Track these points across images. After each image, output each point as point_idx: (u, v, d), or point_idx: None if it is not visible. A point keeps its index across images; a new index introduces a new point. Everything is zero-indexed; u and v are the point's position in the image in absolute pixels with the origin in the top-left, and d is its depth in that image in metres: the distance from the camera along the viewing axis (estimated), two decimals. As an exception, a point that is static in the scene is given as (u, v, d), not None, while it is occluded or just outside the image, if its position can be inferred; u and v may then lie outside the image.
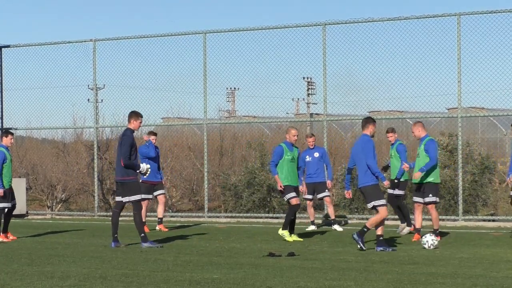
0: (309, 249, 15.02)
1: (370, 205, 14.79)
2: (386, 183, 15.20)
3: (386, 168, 18.57)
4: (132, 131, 15.62)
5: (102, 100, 27.64)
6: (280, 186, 16.61)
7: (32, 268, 12.19)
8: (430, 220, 16.99)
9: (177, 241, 16.81)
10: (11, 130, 18.41)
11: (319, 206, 24.24)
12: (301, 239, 16.69)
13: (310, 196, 19.69)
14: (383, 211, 14.65)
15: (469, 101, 22.18)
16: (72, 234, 19.09)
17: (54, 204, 29.41)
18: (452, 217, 21.99)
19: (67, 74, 27.74)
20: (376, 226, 14.66)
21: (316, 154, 19.60)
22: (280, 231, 16.67)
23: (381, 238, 14.60)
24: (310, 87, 56.75)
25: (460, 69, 21.39)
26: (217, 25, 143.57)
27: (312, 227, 19.93)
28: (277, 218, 24.04)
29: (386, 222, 21.54)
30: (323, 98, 23.09)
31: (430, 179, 16.36)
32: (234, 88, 53.41)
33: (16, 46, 27.28)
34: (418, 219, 16.60)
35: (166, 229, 19.66)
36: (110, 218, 16.23)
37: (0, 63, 27.10)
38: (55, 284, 10.43)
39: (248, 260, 13.11)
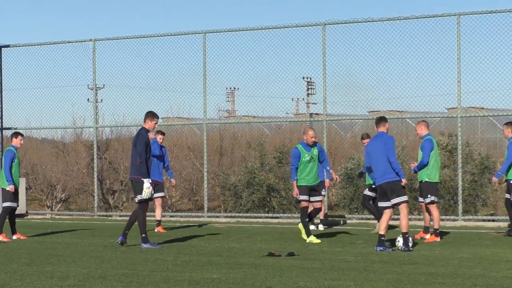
0: (308, 249, 15.02)
1: (394, 201, 14.60)
2: (404, 181, 15.16)
3: (360, 174, 18.92)
4: (147, 130, 15.70)
5: (101, 100, 27.66)
6: (296, 194, 16.48)
7: (32, 268, 12.19)
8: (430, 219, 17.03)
9: (177, 241, 16.81)
10: (20, 131, 18.52)
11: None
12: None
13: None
14: (404, 208, 14.65)
15: (469, 101, 22.21)
16: (72, 234, 19.09)
17: (53, 204, 29.42)
18: (452, 217, 21.99)
19: (67, 74, 27.75)
20: (381, 226, 14.65)
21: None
22: (308, 239, 16.43)
23: (383, 238, 14.57)
24: (309, 87, 56.76)
25: (459, 69, 21.39)
26: (216, 25, 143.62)
27: (321, 227, 19.90)
28: (276, 218, 24.04)
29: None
30: (322, 98, 23.09)
31: (425, 178, 16.53)
32: (234, 88, 53.47)
33: (16, 46, 27.27)
34: (425, 217, 16.83)
35: (165, 231, 19.66)
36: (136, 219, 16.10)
37: (-1, 62, 27.11)
38: (54, 284, 10.43)
39: (247, 260, 13.11)
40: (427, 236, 16.68)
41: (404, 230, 14.63)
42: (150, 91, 27.79)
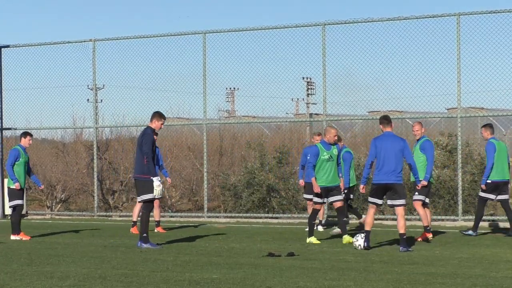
0: (308, 249, 15.02)
1: (396, 202, 14.98)
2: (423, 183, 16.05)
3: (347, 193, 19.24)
4: (153, 130, 15.70)
5: (101, 100, 27.65)
6: (318, 190, 16.39)
7: (32, 268, 12.19)
8: (420, 219, 17.10)
9: (177, 241, 16.80)
10: (28, 131, 18.58)
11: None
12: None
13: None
14: (402, 210, 14.99)
15: (469, 101, 22.20)
16: (72, 234, 19.08)
17: (53, 204, 29.41)
18: (452, 217, 21.98)
19: (67, 74, 27.74)
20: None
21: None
22: (308, 240, 16.38)
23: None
24: (309, 87, 56.77)
25: (459, 69, 21.39)
26: (216, 25, 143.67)
27: (319, 228, 19.86)
28: (276, 218, 24.03)
29: (386, 223, 21.58)
30: (322, 98, 23.08)
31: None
32: (234, 88, 53.44)
33: (16, 46, 27.26)
34: (421, 217, 16.89)
35: (164, 231, 19.65)
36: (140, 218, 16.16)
37: (-1, 63, 27.10)
38: (54, 284, 10.43)
39: (247, 260, 13.11)
40: (430, 236, 16.70)
41: (401, 231, 14.74)
42: (150, 91, 27.78)
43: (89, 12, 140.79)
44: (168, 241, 16.69)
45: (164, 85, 28.71)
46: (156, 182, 15.46)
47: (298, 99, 58.88)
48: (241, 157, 28.18)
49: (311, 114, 39.47)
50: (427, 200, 16.83)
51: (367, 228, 14.97)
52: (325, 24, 22.94)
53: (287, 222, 22.82)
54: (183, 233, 18.87)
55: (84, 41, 26.27)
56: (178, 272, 11.60)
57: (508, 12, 21.10)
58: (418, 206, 16.70)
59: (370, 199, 15.17)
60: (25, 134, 18.30)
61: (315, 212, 16.53)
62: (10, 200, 18.02)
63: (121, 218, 25.21)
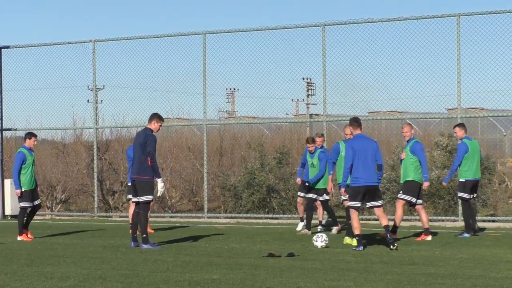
0: (308, 249, 15.01)
1: (374, 204, 15.17)
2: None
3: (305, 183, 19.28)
4: (152, 131, 15.74)
5: (101, 101, 27.65)
6: (330, 189, 16.42)
7: (32, 269, 12.19)
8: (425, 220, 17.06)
9: (177, 242, 16.80)
10: (33, 132, 18.57)
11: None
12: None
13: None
14: (381, 211, 15.32)
15: (469, 102, 22.20)
16: (72, 235, 19.09)
17: (53, 204, 29.40)
18: (452, 218, 21.99)
19: (67, 74, 27.74)
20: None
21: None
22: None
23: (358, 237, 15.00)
24: (309, 87, 56.76)
25: (459, 70, 21.40)
26: (216, 25, 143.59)
27: (319, 228, 19.83)
28: (276, 218, 24.03)
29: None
30: (322, 99, 23.09)
31: (406, 178, 16.86)
32: (234, 89, 53.41)
33: (16, 47, 27.27)
34: (422, 219, 16.92)
35: (152, 231, 19.39)
36: (131, 219, 16.19)
37: (-1, 63, 27.10)
38: (54, 285, 10.43)
39: (247, 261, 13.11)
40: (429, 238, 16.73)
41: (386, 223, 15.10)
42: (150, 91, 27.75)
43: (89, 13, 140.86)
44: (168, 242, 16.69)
45: (164, 86, 28.70)
46: (160, 183, 15.53)
47: (298, 99, 58.84)
48: (241, 158, 28.17)
49: (311, 115, 39.43)
50: (419, 201, 16.85)
51: (357, 232, 14.90)
52: (325, 25, 22.94)
53: (287, 222, 22.82)
54: (183, 234, 18.87)
55: (84, 42, 26.28)
56: (178, 272, 11.60)
57: (508, 12, 21.11)
58: (399, 205, 16.79)
59: (351, 203, 15.08)
60: (30, 135, 18.29)
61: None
62: (18, 201, 18.07)
63: (121, 219, 25.21)
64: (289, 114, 41.80)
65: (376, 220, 20.37)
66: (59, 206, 29.60)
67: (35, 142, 18.32)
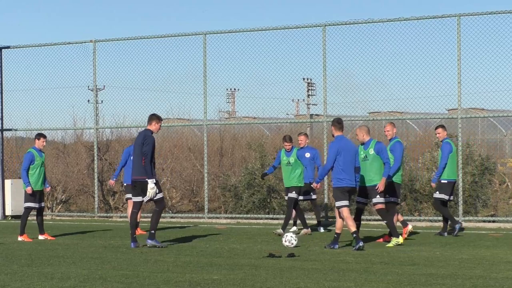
0: (309, 250, 15.02)
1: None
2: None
3: (264, 175, 19.66)
4: (152, 132, 15.80)
5: (102, 101, 27.64)
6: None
7: (32, 269, 12.19)
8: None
9: (177, 242, 16.81)
10: (42, 133, 18.58)
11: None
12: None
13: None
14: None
15: (469, 102, 22.18)
16: (72, 235, 19.09)
17: (54, 205, 29.39)
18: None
19: (67, 75, 27.73)
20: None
21: (307, 155, 19.19)
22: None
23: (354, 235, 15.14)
24: (310, 88, 56.82)
25: (460, 70, 21.39)
26: (217, 26, 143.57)
27: (321, 229, 19.79)
28: (277, 219, 24.03)
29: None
30: (323, 99, 23.09)
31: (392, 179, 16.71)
32: (234, 89, 53.47)
33: (16, 47, 27.26)
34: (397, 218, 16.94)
35: (144, 232, 19.39)
36: (129, 220, 16.25)
37: (0, 64, 27.09)
38: (54, 285, 10.43)
39: (248, 261, 13.12)
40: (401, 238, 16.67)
41: (338, 231, 15.31)
42: (150, 92, 27.75)
43: (89, 13, 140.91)
44: (169, 242, 16.68)
45: (164, 86, 28.72)
46: (151, 184, 15.49)
47: (298, 100, 58.94)
48: (241, 158, 28.18)
49: (311, 115, 39.54)
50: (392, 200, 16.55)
51: (352, 229, 14.98)
52: (325, 25, 22.94)
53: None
54: (184, 234, 18.87)
55: (85, 42, 26.27)
56: (179, 273, 11.60)
57: (508, 13, 21.11)
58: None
59: (340, 203, 15.10)
60: (39, 135, 18.34)
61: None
62: (24, 202, 18.13)
63: (121, 219, 25.20)
64: (289, 114, 41.89)
65: (377, 220, 20.45)
66: (59, 206, 29.59)
67: (44, 143, 18.34)
